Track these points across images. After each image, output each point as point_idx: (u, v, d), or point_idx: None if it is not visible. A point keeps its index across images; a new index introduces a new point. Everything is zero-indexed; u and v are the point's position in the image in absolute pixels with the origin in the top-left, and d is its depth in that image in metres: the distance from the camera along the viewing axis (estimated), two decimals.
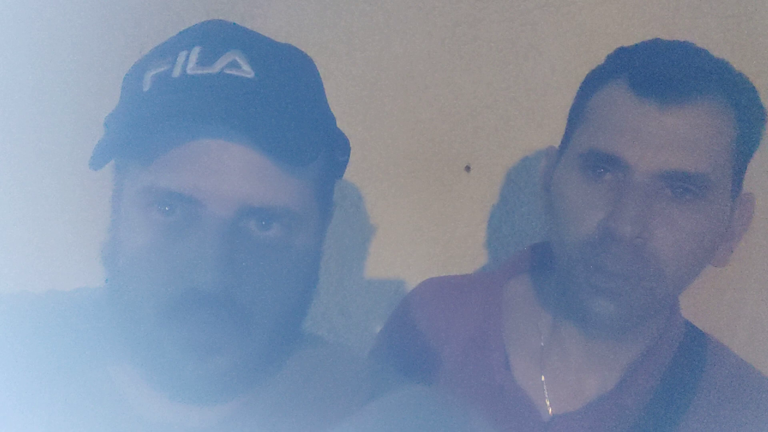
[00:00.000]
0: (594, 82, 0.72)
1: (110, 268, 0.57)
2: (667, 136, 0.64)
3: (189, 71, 0.54)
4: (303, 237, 0.58)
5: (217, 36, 0.57)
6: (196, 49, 0.55)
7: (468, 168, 1.03)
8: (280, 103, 0.55)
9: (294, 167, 0.54)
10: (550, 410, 0.75)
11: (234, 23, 0.60)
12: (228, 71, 0.54)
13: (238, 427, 0.60)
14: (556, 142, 0.78)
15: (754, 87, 0.68)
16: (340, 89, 1.01)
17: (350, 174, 1.03)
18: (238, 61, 0.55)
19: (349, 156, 0.65)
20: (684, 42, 0.70)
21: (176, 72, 0.55)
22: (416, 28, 0.99)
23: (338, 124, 0.66)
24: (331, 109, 0.65)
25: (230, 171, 0.53)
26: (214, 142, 0.53)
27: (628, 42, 0.73)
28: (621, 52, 0.72)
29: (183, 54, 0.55)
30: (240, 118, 0.52)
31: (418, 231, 1.04)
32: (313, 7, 0.99)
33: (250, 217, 0.54)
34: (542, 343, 0.78)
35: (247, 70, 0.55)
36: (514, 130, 1.02)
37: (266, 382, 0.62)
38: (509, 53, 1.00)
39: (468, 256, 1.05)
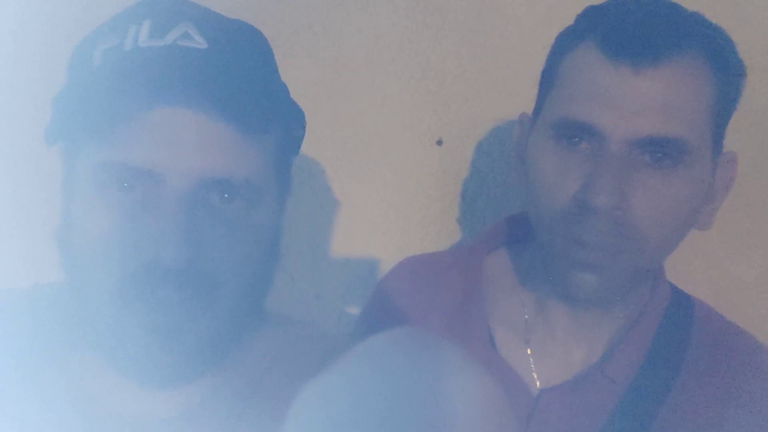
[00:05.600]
0: (564, 44, 0.69)
1: (67, 253, 0.55)
2: (642, 100, 0.62)
3: (141, 44, 0.53)
4: (264, 211, 0.57)
5: (166, 9, 0.55)
6: (147, 22, 0.54)
7: (440, 142, 1.01)
8: (234, 72, 0.54)
9: (252, 134, 0.54)
10: (538, 383, 0.73)
11: None
12: (181, 42, 0.53)
13: (209, 411, 0.59)
14: (529, 111, 0.75)
15: (731, 39, 0.66)
16: (303, 66, 0.97)
17: (319, 153, 1.01)
18: (190, 32, 0.54)
19: (304, 130, 0.64)
20: None
21: (127, 45, 0.53)
22: None
23: (303, 102, 0.64)
24: (295, 87, 0.63)
25: (189, 142, 0.52)
26: (171, 114, 0.52)
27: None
28: (590, 11, 0.69)
29: (133, 27, 0.54)
30: (196, 86, 0.51)
31: (391, 209, 1.02)
32: None
33: (211, 190, 0.54)
34: (526, 317, 0.76)
35: (199, 41, 0.53)
36: (484, 101, 1.00)
37: (234, 364, 0.62)
38: (475, 21, 0.97)
39: (444, 231, 1.03)
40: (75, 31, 0.59)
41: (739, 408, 0.69)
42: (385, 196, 1.02)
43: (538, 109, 0.72)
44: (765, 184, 0.98)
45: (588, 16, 0.69)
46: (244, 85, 0.54)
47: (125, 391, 0.58)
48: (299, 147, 0.65)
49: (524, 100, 0.76)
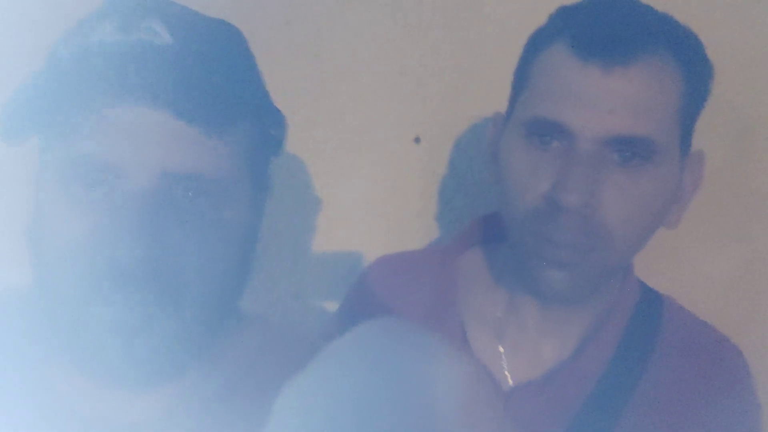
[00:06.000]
0: (536, 44, 0.70)
1: (35, 253, 0.55)
2: (611, 99, 0.62)
3: (106, 38, 0.53)
4: (235, 210, 0.56)
5: (135, 6, 0.55)
6: (114, 18, 0.54)
7: (417, 140, 1.01)
8: (197, 68, 0.53)
9: (209, 129, 0.53)
10: (510, 381, 0.74)
11: None
12: (145, 37, 0.53)
13: (182, 415, 0.59)
14: (504, 109, 0.76)
15: (699, 40, 0.67)
16: (281, 63, 0.97)
17: (297, 151, 1.01)
18: (156, 28, 0.53)
19: (284, 132, 0.63)
20: None
21: (92, 41, 0.53)
22: None
23: (281, 99, 0.63)
24: (273, 85, 0.62)
25: (149, 137, 0.52)
26: (132, 109, 0.51)
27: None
28: (562, 11, 0.70)
29: (100, 24, 0.54)
30: (155, 83, 0.51)
31: (369, 207, 1.02)
32: None
33: (174, 186, 0.53)
34: (499, 314, 0.76)
35: (165, 37, 0.53)
36: (462, 99, 1.00)
37: (209, 367, 0.61)
38: (453, 19, 0.98)
39: (421, 229, 1.04)
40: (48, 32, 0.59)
41: (707, 402, 0.70)
42: (364, 194, 1.02)
43: (510, 108, 0.73)
44: (733, 183, 0.99)
45: (560, 16, 0.70)
46: (207, 81, 0.53)
47: (96, 396, 0.57)
48: (280, 147, 0.64)
49: (502, 99, 0.77)
